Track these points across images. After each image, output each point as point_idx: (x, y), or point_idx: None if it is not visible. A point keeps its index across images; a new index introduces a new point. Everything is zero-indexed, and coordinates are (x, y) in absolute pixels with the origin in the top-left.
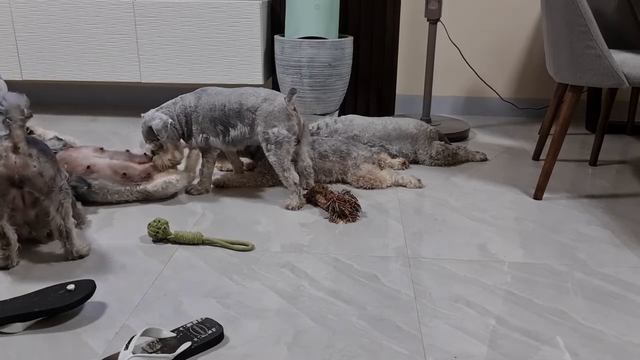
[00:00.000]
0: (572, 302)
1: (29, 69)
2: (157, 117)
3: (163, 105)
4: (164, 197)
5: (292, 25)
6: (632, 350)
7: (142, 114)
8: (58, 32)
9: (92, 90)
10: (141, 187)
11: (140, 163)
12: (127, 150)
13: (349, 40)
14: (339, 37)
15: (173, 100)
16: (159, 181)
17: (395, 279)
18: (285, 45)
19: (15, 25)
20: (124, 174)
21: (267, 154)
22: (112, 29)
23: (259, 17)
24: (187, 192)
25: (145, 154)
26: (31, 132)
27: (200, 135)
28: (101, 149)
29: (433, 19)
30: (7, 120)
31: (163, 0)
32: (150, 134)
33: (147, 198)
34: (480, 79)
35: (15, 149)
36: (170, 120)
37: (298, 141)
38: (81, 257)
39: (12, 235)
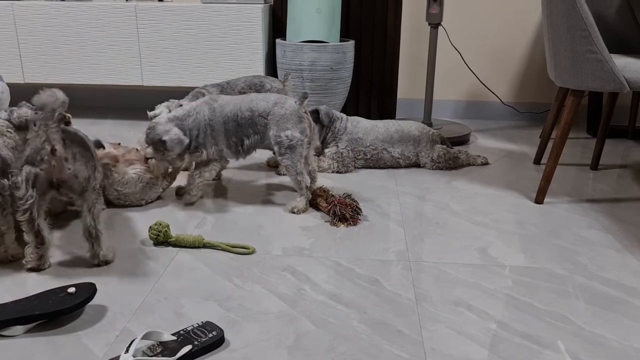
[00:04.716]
0: (573, 306)
1: (31, 72)
2: (173, 132)
3: (177, 113)
4: (140, 199)
5: (293, 29)
6: (634, 355)
7: (149, 112)
8: (60, 36)
9: (93, 93)
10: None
11: (114, 147)
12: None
13: (350, 44)
14: (341, 41)
15: (185, 110)
16: (120, 167)
17: (396, 283)
18: (287, 49)
19: (18, 28)
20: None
21: (279, 158)
22: (114, 32)
23: (261, 20)
24: (179, 198)
25: (136, 149)
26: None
27: (213, 147)
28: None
29: (434, 23)
30: (43, 123)
31: (165, 4)
32: (159, 145)
33: (120, 198)
34: (482, 83)
35: (53, 152)
36: (187, 141)
37: (308, 144)
38: (107, 263)
39: (47, 235)
